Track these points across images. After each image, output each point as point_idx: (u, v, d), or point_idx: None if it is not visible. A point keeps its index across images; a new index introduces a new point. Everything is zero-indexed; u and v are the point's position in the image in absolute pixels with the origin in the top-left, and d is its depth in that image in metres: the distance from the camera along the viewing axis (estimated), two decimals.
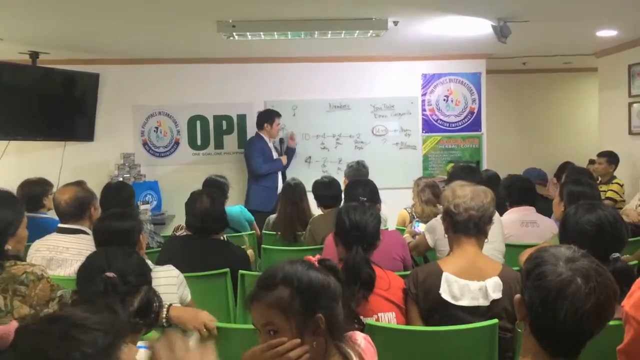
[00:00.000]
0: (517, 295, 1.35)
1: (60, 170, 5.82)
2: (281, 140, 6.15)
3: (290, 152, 6.19)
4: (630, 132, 6.02)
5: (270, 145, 5.96)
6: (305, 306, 1.37)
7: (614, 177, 5.59)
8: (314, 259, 1.50)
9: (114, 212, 2.59)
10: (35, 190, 3.99)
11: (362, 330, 1.67)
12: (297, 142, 6.27)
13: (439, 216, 3.77)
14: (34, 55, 5.61)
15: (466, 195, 2.34)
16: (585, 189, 3.08)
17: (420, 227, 3.75)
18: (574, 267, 1.26)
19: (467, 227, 2.30)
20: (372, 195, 3.32)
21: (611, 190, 5.45)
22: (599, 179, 5.74)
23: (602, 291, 1.24)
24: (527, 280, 1.32)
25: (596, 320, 1.25)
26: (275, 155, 5.96)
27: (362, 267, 2.23)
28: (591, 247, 2.06)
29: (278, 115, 5.96)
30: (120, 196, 3.67)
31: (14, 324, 0.80)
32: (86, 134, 6.08)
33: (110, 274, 1.63)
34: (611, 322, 1.91)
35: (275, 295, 1.37)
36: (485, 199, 2.35)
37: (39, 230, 3.23)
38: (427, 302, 2.25)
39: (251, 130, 6.32)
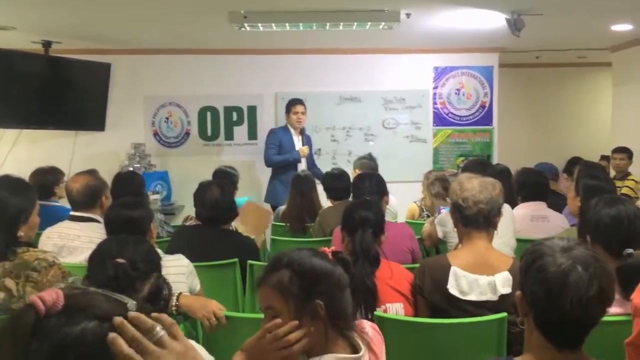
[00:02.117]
0: (518, 292, 1.34)
1: (72, 159, 5.86)
2: (301, 131, 5.68)
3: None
4: None
5: (295, 136, 5.60)
6: (304, 290, 1.39)
7: (629, 174, 5.55)
8: (328, 250, 1.53)
9: (125, 201, 2.61)
10: (46, 179, 4.02)
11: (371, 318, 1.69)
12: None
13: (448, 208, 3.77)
14: (47, 44, 5.64)
15: (474, 188, 2.31)
16: (601, 183, 3.06)
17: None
18: (572, 256, 1.27)
19: (477, 221, 2.28)
20: (378, 188, 3.33)
21: (626, 186, 5.42)
22: (614, 174, 5.70)
23: (602, 276, 1.25)
24: (526, 275, 1.31)
25: (600, 306, 1.26)
26: (298, 146, 5.55)
27: (371, 245, 2.28)
28: (605, 239, 2.07)
29: (294, 103, 5.59)
30: (131, 185, 3.69)
31: (58, 290, 0.85)
32: (97, 123, 6.11)
33: (120, 260, 1.64)
34: (617, 318, 1.92)
35: (277, 278, 1.41)
36: (494, 191, 2.32)
37: (51, 218, 3.26)
38: (434, 296, 2.24)
39: (261, 121, 6.34)
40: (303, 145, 5.57)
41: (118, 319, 0.83)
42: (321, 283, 1.42)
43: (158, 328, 0.86)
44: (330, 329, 1.41)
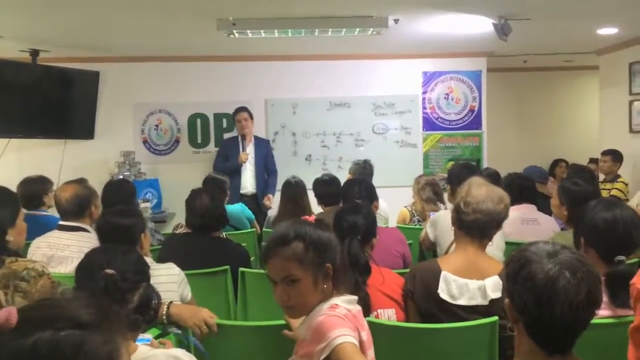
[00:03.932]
0: (506, 300, 1.34)
1: (61, 168, 5.82)
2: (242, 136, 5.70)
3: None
4: (631, 131, 6.02)
5: (242, 144, 5.65)
6: (318, 257, 1.60)
7: (619, 176, 5.59)
8: (310, 218, 1.72)
9: (117, 209, 2.60)
10: (35, 188, 3.99)
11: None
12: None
13: (441, 211, 3.77)
14: (34, 53, 5.61)
15: (480, 196, 2.29)
16: (582, 187, 3.07)
17: None
18: (558, 261, 1.26)
19: (471, 229, 2.27)
20: (368, 193, 3.33)
21: (616, 188, 5.45)
22: (604, 177, 5.74)
23: (590, 279, 1.25)
24: (514, 283, 1.30)
25: (589, 309, 1.26)
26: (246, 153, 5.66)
27: (359, 255, 2.26)
28: (598, 244, 2.06)
29: (236, 111, 5.73)
30: (121, 194, 3.67)
31: (11, 308, 0.86)
32: (86, 131, 6.08)
33: (110, 271, 1.63)
34: (605, 320, 1.93)
35: (291, 250, 1.59)
36: (498, 205, 2.29)
37: (40, 227, 3.24)
38: (425, 301, 2.24)
39: None
40: (247, 152, 5.66)
41: None
42: (328, 249, 1.63)
43: None
44: (335, 284, 1.65)
